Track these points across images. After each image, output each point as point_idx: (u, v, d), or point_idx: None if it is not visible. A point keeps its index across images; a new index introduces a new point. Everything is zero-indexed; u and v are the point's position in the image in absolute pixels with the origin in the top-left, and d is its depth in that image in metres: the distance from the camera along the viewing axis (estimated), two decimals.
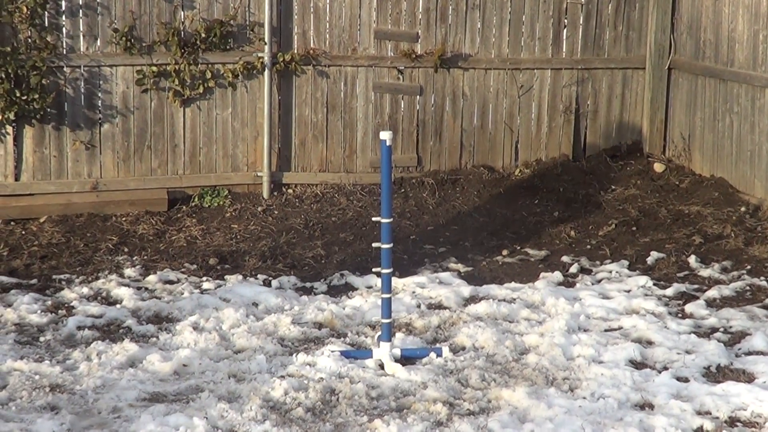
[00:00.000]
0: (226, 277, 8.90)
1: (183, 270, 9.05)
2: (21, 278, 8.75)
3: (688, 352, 7.25)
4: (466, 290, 8.55)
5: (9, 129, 10.32)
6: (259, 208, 10.63)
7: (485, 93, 11.57)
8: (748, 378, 6.85)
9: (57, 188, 10.48)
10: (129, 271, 8.94)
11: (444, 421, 6.17)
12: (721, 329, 7.78)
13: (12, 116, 10.22)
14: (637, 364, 7.07)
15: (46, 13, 10.29)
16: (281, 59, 10.89)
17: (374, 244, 7.26)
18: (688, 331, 7.67)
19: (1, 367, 6.81)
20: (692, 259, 9.33)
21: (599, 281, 8.96)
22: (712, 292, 8.56)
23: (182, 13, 10.69)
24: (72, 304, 8.13)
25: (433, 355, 7.13)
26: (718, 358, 7.10)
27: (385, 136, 6.93)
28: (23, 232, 9.88)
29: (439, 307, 8.26)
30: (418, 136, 11.48)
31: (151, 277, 8.80)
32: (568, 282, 8.96)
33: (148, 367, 6.90)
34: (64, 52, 10.40)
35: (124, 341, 7.31)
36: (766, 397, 6.40)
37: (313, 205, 10.76)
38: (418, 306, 8.21)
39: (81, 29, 10.45)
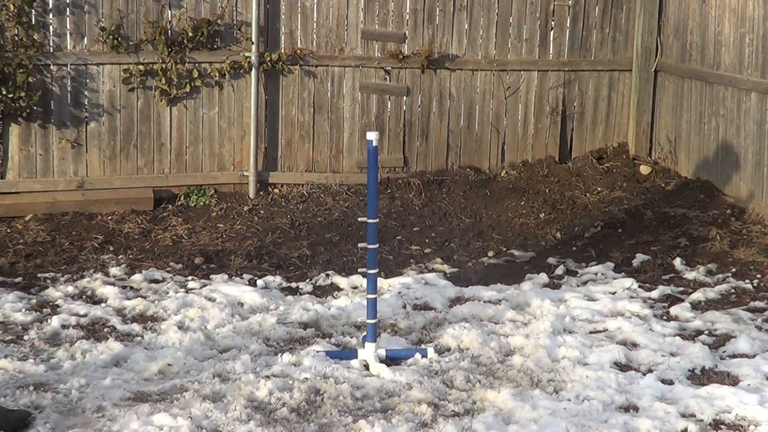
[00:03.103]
0: (211, 276, 8.89)
1: (168, 269, 9.03)
2: (5, 276, 8.72)
3: (672, 355, 7.26)
4: (452, 291, 8.55)
5: None
6: (245, 208, 10.62)
7: (472, 94, 11.58)
8: (732, 381, 6.86)
9: (43, 186, 10.46)
10: (114, 270, 8.92)
11: (429, 422, 6.17)
12: (706, 332, 7.80)
13: None
14: (621, 366, 7.08)
15: (33, 11, 10.27)
16: (268, 59, 10.88)
17: (360, 245, 7.26)
18: (672, 334, 7.68)
19: None
20: (677, 262, 9.35)
21: (585, 283, 8.96)
22: (697, 295, 8.57)
23: (169, 12, 10.68)
24: (57, 303, 8.10)
25: (418, 355, 7.13)
26: (702, 361, 7.11)
27: (372, 136, 6.92)
28: (8, 231, 9.85)
29: (425, 307, 8.26)
30: (405, 137, 11.48)
31: (137, 276, 8.78)
32: (554, 284, 8.96)
33: (133, 367, 6.88)
34: (51, 51, 10.38)
35: (109, 340, 7.29)
36: (750, 400, 6.41)
37: (299, 205, 10.76)
38: (404, 307, 8.21)
39: (68, 27, 10.43)
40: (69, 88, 10.50)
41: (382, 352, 7.09)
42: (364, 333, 7.19)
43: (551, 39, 11.74)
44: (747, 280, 8.89)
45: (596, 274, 9.17)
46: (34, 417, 6.03)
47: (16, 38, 10.19)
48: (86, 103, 10.59)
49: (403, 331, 7.75)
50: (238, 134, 11.00)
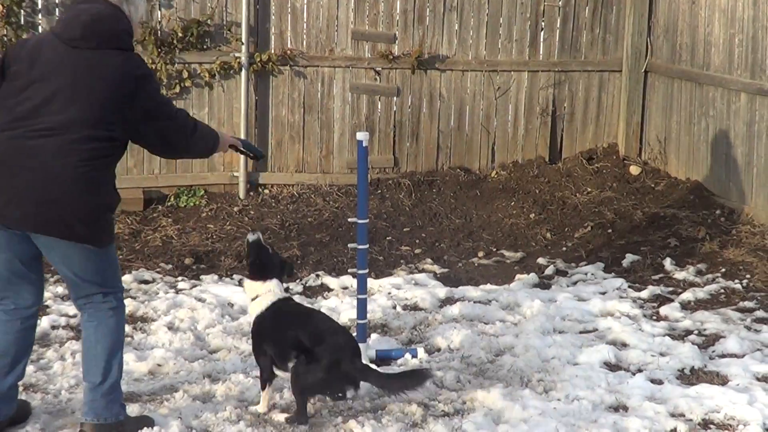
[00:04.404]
0: (201, 277, 8.88)
1: (158, 270, 9.02)
2: None
3: (662, 355, 7.27)
4: (442, 291, 8.55)
5: None
6: (235, 209, 10.60)
7: (462, 95, 11.58)
8: (721, 380, 6.88)
9: None
10: None
11: (419, 422, 6.17)
12: (696, 332, 7.81)
13: None
14: (611, 366, 7.09)
15: (22, 11, 10.24)
16: (258, 59, 10.87)
17: (350, 245, 7.25)
18: (662, 334, 7.69)
19: None
20: (667, 262, 9.36)
21: (575, 283, 8.98)
22: (687, 295, 8.59)
23: (159, 12, 10.66)
24: (46, 303, 8.06)
25: (408, 356, 7.13)
26: (692, 361, 7.13)
27: (362, 137, 6.91)
28: None
29: (415, 308, 8.26)
30: (395, 138, 11.47)
31: (126, 277, 8.75)
32: (544, 284, 8.97)
33: (123, 367, 6.86)
34: None
35: None
36: (739, 400, 6.42)
37: (289, 206, 10.75)
38: (394, 307, 8.21)
39: None
40: None
41: (373, 353, 7.09)
42: (354, 333, 7.18)
43: (541, 39, 11.74)
44: (736, 281, 8.91)
45: (586, 274, 9.19)
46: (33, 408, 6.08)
47: (5, 39, 10.16)
48: None
49: (393, 332, 7.75)
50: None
